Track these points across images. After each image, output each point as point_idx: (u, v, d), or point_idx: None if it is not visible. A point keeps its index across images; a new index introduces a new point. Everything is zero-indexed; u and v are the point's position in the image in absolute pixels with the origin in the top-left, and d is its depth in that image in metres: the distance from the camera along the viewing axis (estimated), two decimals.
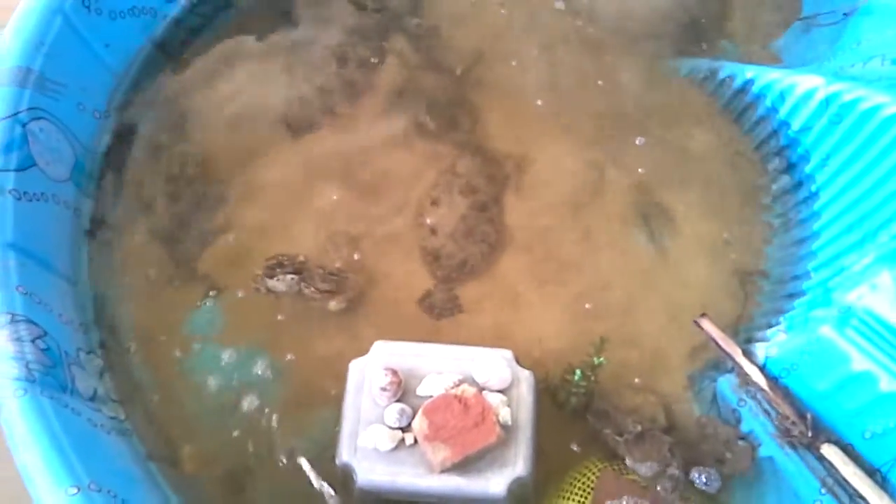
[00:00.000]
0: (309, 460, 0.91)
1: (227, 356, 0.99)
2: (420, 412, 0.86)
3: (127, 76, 1.15)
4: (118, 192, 1.09)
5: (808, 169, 1.06)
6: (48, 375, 0.85)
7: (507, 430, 0.87)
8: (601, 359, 0.92)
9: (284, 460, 0.94)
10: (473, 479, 0.86)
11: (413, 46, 1.22)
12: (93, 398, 0.91)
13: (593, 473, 0.91)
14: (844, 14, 1.16)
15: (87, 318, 0.99)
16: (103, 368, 0.97)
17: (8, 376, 0.81)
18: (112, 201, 1.08)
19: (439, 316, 1.02)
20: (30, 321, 0.86)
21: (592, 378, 0.93)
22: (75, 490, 0.76)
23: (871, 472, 0.85)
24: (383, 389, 0.88)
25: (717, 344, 0.95)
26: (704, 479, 0.88)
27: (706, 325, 0.96)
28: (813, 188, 1.06)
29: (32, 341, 0.85)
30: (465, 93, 1.18)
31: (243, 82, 1.18)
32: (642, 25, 1.24)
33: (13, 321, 0.85)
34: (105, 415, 0.91)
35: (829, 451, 0.87)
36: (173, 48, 1.19)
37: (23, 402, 0.80)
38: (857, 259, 0.92)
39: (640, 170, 1.11)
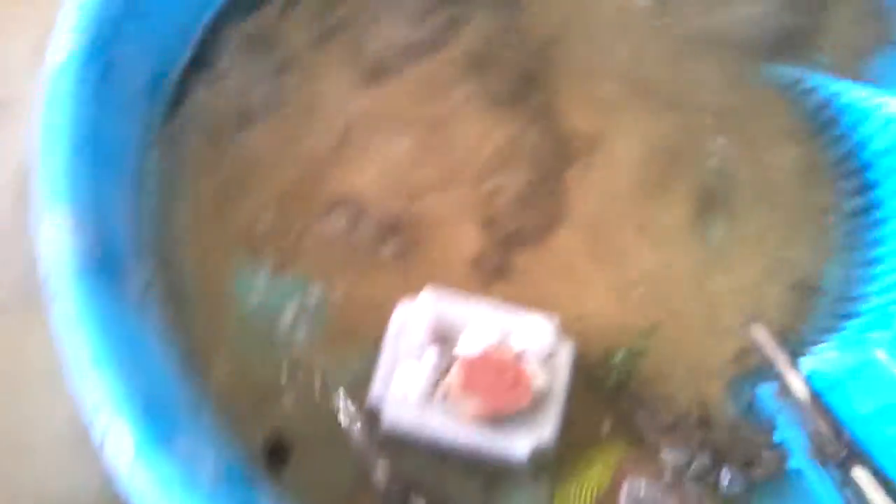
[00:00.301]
0: (341, 395, 0.92)
1: (275, 281, 1.00)
2: (457, 364, 0.86)
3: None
4: (185, 112, 1.09)
5: (881, 193, 1.04)
6: (103, 264, 0.86)
7: (540, 396, 0.87)
8: (646, 343, 0.92)
9: (316, 390, 0.95)
10: (498, 438, 0.86)
11: (497, 14, 1.21)
12: (143, 293, 0.92)
13: (618, 454, 0.91)
14: None
15: (145, 215, 1.00)
16: (155, 267, 0.98)
17: (65, 260, 0.82)
18: (182, 118, 1.09)
19: (487, 278, 1.02)
20: (91, 209, 0.87)
21: (634, 362, 0.92)
22: (114, 375, 0.78)
23: None
24: (424, 336, 0.89)
25: (764, 350, 0.94)
26: (728, 480, 0.88)
27: (756, 329, 0.95)
28: (881, 214, 1.04)
29: (92, 228, 0.86)
30: (542, 66, 1.17)
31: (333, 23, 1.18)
32: (730, 27, 1.22)
33: (75, 213, 0.85)
34: (151, 311, 0.93)
35: (860, 475, 0.85)
36: None
37: (76, 286, 0.82)
38: None
39: (710, 168, 1.09)
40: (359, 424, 0.89)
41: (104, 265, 0.86)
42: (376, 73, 1.14)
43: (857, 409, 0.88)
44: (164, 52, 1.08)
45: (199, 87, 1.11)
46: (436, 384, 0.88)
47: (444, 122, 1.12)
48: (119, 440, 0.75)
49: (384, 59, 1.15)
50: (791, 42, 1.21)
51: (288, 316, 0.98)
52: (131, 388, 0.77)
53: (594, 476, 0.89)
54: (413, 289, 0.94)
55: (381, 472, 0.87)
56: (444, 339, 0.90)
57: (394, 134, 1.10)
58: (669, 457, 0.88)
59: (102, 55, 0.95)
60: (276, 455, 0.92)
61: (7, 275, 1.07)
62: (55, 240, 0.84)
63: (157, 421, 0.77)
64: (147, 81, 1.04)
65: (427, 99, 1.13)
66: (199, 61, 1.12)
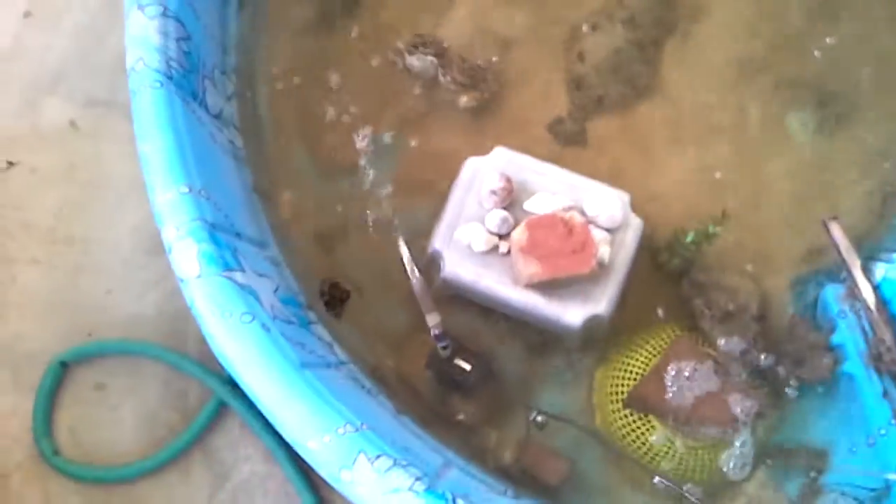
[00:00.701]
0: (402, 241, 0.93)
1: (348, 118, 0.99)
2: (523, 224, 0.85)
3: None
4: None
5: None
6: (184, 78, 0.86)
7: (601, 268, 0.86)
8: (717, 229, 0.89)
9: (379, 234, 0.96)
10: (553, 303, 0.86)
11: None
12: (218, 116, 0.93)
13: (669, 337, 0.91)
14: None
15: (228, 41, 0.99)
16: (232, 93, 0.98)
17: (149, 65, 0.82)
18: None
19: (564, 143, 1.00)
20: (179, 20, 0.86)
21: (702, 244, 0.90)
22: (186, 189, 0.79)
23: None
24: (493, 192, 0.88)
25: (837, 249, 0.91)
26: (779, 375, 0.87)
27: (834, 228, 0.91)
28: None
29: (177, 40, 0.86)
30: None
31: None
32: None
33: (164, 15, 0.85)
34: (225, 136, 0.93)
35: None
36: None
37: (156, 94, 0.82)
38: None
39: (819, 58, 1.03)
40: (418, 271, 0.90)
41: (186, 73, 0.86)
42: None
43: None
44: None
45: None
46: (500, 240, 0.87)
47: None
48: (185, 258, 0.76)
49: None
50: None
51: (358, 156, 0.98)
52: (201, 206, 0.79)
53: (641, 358, 0.90)
54: (486, 146, 0.93)
55: (433, 321, 0.89)
56: (512, 197, 0.88)
57: None
58: (723, 344, 0.88)
59: None
60: (334, 297, 0.94)
61: (96, 70, 1.08)
62: (141, 37, 0.83)
63: (223, 247, 0.78)
64: None
65: None
66: None
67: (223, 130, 0.94)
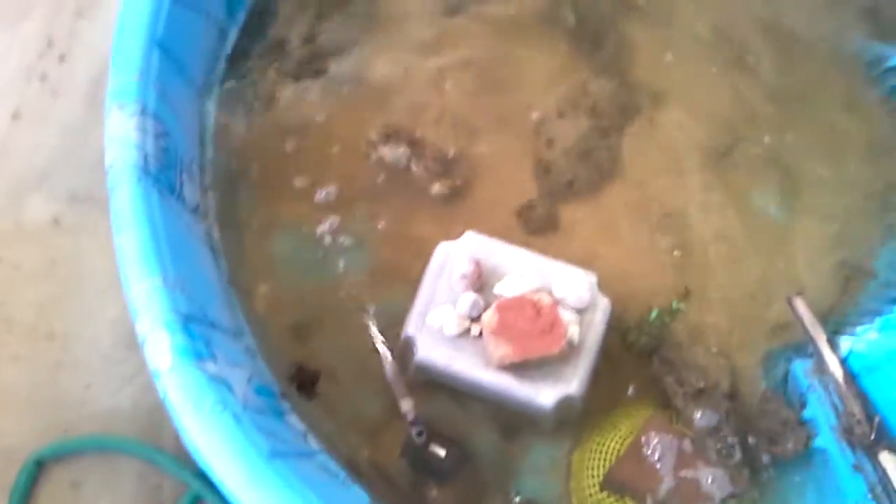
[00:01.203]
0: (375, 327, 0.94)
1: (321, 208, 1.02)
2: (493, 306, 0.87)
3: None
4: (264, 29, 1.10)
5: None
6: (162, 173, 0.88)
7: (571, 348, 0.87)
8: (681, 305, 0.91)
9: (352, 323, 0.96)
10: (525, 385, 0.87)
11: None
12: (195, 209, 0.95)
13: (643, 416, 0.91)
14: None
15: (206, 136, 1.02)
16: (210, 186, 1.00)
17: (127, 162, 0.85)
18: (256, 37, 1.10)
19: (533, 229, 1.02)
20: (157, 118, 0.90)
21: (667, 321, 0.92)
22: (160, 281, 0.80)
23: None
24: (463, 277, 0.89)
25: (803, 325, 0.92)
26: (752, 452, 0.88)
27: (798, 304, 0.93)
28: None
29: (155, 137, 0.89)
30: (617, 16, 1.15)
31: None
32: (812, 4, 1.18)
33: (143, 113, 0.88)
34: (202, 228, 0.96)
35: (887, 459, 0.84)
36: None
37: (134, 189, 0.84)
38: None
39: (778, 138, 1.07)
40: (391, 357, 0.91)
41: (163, 168, 0.89)
42: (453, 6, 1.14)
43: (893, 394, 0.86)
44: None
45: (276, 7, 1.13)
46: (471, 323, 0.89)
47: (511, 62, 1.11)
48: (158, 350, 0.77)
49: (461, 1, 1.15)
50: (881, 18, 1.17)
51: (331, 248, 1.00)
52: (175, 298, 0.80)
53: (616, 437, 0.90)
54: (458, 231, 0.95)
55: (406, 406, 0.89)
56: (482, 280, 0.90)
57: (461, 69, 1.10)
58: (697, 421, 0.88)
59: None
60: (304, 379, 0.94)
61: (79, 167, 1.11)
62: (120, 135, 0.86)
63: (196, 338, 0.79)
64: None
65: (498, 38, 1.12)
66: None
67: (201, 223, 0.96)
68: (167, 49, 0.93)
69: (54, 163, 1.12)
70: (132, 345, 1.01)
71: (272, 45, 1.10)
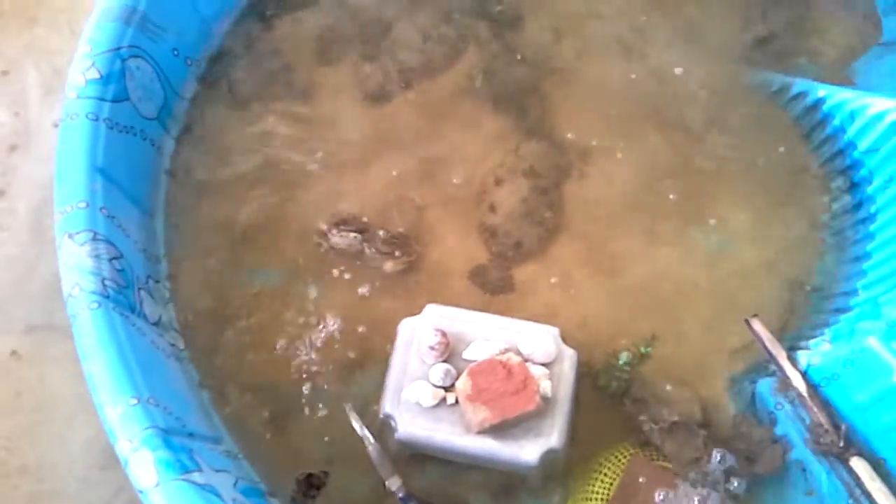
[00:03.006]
0: (351, 412, 0.94)
1: (281, 303, 1.03)
2: (465, 373, 0.89)
3: (221, 29, 1.21)
4: (200, 139, 1.13)
5: (869, 190, 1.07)
6: (120, 294, 0.89)
7: (546, 402, 0.89)
8: (648, 349, 0.95)
9: (329, 409, 0.98)
10: (508, 445, 0.88)
11: (493, 32, 1.25)
12: (157, 323, 0.96)
13: (624, 457, 0.93)
14: None
15: (158, 250, 1.04)
16: (168, 298, 1.01)
17: (85, 289, 0.86)
18: (193, 146, 1.13)
19: (491, 291, 1.05)
20: (109, 242, 0.91)
21: (636, 364, 0.95)
22: (135, 401, 0.81)
23: None
24: (431, 348, 0.91)
25: (763, 345, 0.96)
26: (733, 475, 0.90)
27: (756, 325, 0.97)
28: (872, 209, 1.07)
29: (110, 261, 0.90)
30: (538, 80, 1.21)
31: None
32: (719, 34, 1.26)
33: (95, 239, 0.90)
34: (166, 340, 0.96)
35: (858, 465, 0.87)
36: (266, 8, 1.25)
37: (95, 315, 0.85)
38: None
39: (704, 172, 1.13)
40: (372, 438, 0.91)
41: (121, 289, 0.90)
42: (380, 95, 1.19)
43: (854, 400, 0.90)
44: (175, 79, 1.13)
45: (210, 112, 1.16)
46: (446, 392, 0.90)
47: (445, 139, 1.16)
48: (142, 469, 0.77)
49: (388, 82, 1.20)
50: (779, 46, 1.25)
51: (297, 337, 1.01)
52: (151, 415, 0.81)
53: (604, 481, 0.92)
54: (419, 304, 0.97)
55: (395, 485, 0.90)
56: (450, 349, 0.92)
57: (398, 152, 1.14)
58: (676, 454, 0.91)
59: (115, 83, 1.00)
60: (311, 486, 0.94)
61: (31, 298, 1.11)
62: (75, 264, 0.88)
63: (178, 451, 0.80)
64: (159, 106, 1.09)
65: (429, 118, 1.17)
66: (211, 84, 1.18)
67: (163, 335, 0.97)
68: (109, 174, 0.95)
69: (5, 297, 1.12)
70: (108, 465, 1.00)
71: (215, 154, 1.13)
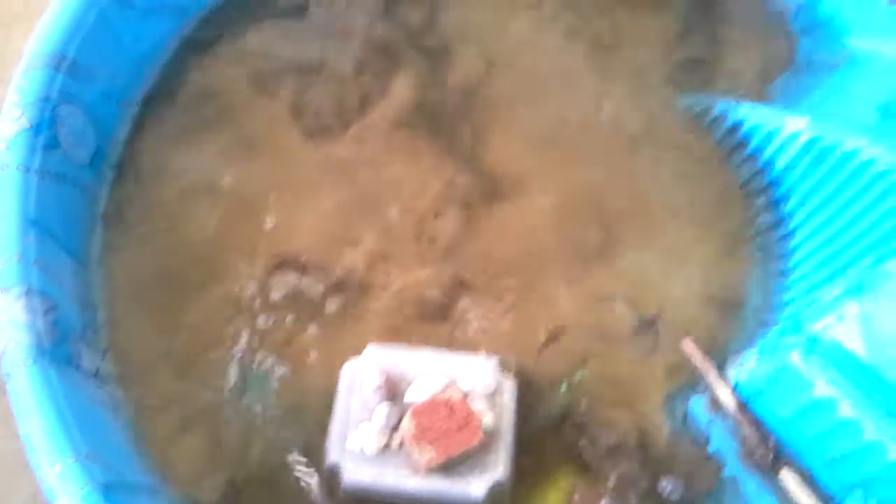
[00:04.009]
0: (298, 458, 0.95)
1: (222, 348, 1.03)
2: (408, 414, 0.90)
3: (153, 70, 1.21)
4: (134, 183, 1.13)
5: (788, 207, 1.12)
6: (57, 348, 0.89)
7: (489, 435, 0.91)
8: (584, 374, 0.97)
9: (272, 456, 0.97)
10: (456, 482, 0.90)
11: (425, 63, 1.27)
12: (95, 374, 0.95)
13: (568, 483, 0.95)
14: (835, 64, 1.23)
15: (94, 299, 1.03)
16: (107, 348, 1.00)
17: (20, 344, 0.85)
18: (128, 190, 1.12)
19: (432, 323, 1.06)
20: (44, 294, 0.90)
21: (574, 388, 0.97)
22: (73, 458, 0.80)
23: (828, 498, 0.90)
24: (376, 390, 0.92)
25: (693, 363, 0.99)
26: (669, 489, 0.93)
27: (688, 344, 1.01)
28: (791, 226, 1.12)
29: (44, 314, 0.89)
30: (470, 111, 1.23)
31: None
32: (645, 59, 1.30)
33: (28, 293, 0.89)
34: (105, 391, 0.95)
35: (786, 476, 0.91)
36: (199, 47, 1.25)
37: (31, 371, 0.84)
38: (827, 292, 0.97)
39: (630, 196, 1.16)
40: (318, 486, 0.92)
41: (57, 343, 0.89)
42: (315, 130, 1.20)
43: (779, 413, 0.93)
44: (107, 123, 1.12)
45: (145, 155, 1.15)
46: (390, 436, 0.91)
47: (382, 172, 1.17)
48: None
49: (324, 116, 1.20)
50: (700, 69, 1.30)
51: (237, 388, 1.01)
52: (90, 470, 0.80)
53: None
54: (360, 342, 0.98)
55: None
56: (393, 390, 0.94)
57: (336, 189, 1.15)
58: (615, 476, 0.93)
59: (46, 131, 0.99)
60: None
61: None
62: (9, 319, 0.87)
63: None
64: (92, 152, 1.08)
65: (366, 152, 1.18)
66: (145, 126, 1.17)
67: (102, 387, 0.96)
68: (42, 225, 0.94)
69: None
70: None
71: (150, 198, 1.13)
